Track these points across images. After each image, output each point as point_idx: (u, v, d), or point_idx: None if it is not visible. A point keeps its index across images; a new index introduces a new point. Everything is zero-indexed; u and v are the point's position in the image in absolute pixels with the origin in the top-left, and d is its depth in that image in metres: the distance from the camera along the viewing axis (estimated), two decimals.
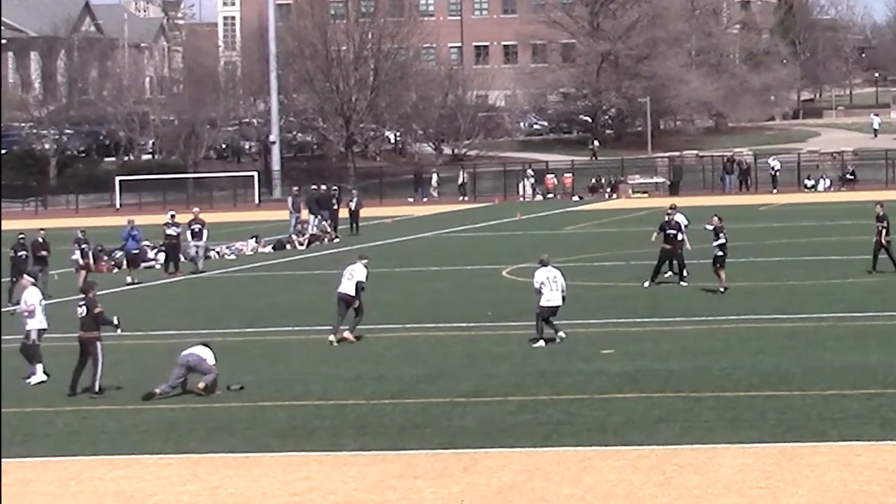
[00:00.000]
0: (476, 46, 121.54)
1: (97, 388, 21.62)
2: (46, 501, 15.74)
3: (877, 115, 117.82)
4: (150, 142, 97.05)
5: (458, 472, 16.16)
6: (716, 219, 32.31)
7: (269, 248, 49.29)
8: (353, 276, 26.40)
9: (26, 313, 23.42)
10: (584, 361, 23.44)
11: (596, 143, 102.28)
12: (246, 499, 15.44)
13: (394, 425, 18.90)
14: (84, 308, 22.03)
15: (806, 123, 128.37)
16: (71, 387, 21.83)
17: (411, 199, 79.33)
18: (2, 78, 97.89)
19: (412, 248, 48.61)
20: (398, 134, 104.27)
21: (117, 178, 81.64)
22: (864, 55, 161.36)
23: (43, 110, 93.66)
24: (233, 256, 47.35)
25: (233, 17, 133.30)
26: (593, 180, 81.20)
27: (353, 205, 55.33)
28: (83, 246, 38.37)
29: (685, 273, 33.43)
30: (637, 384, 21.20)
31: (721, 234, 31.83)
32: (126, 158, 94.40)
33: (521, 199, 78.00)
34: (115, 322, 22.12)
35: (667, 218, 33.84)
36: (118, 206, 78.85)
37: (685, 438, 17.43)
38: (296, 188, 59.43)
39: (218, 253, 46.96)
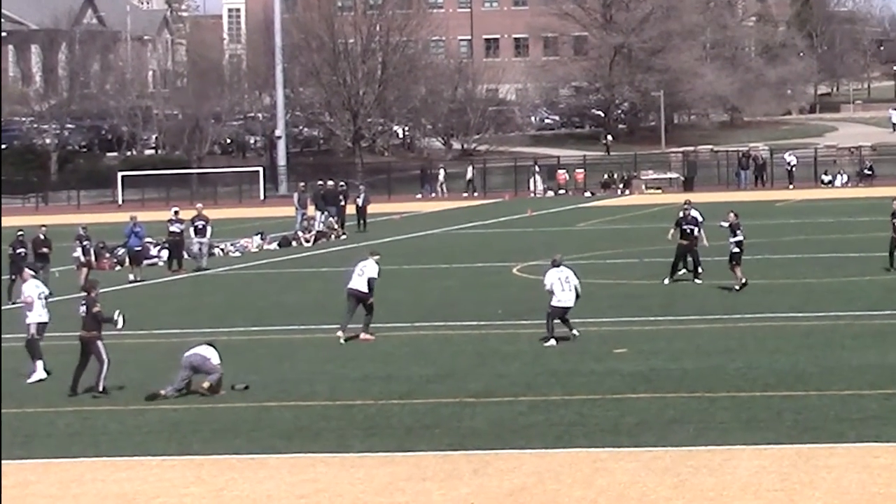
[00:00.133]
0: (486, 39, 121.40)
1: (101, 388, 21.48)
2: None
3: (895, 109, 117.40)
4: (153, 136, 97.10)
5: (467, 474, 16.05)
6: (732, 215, 32.16)
7: (274, 245, 49.15)
8: (363, 272, 26.26)
9: (25, 306, 23.21)
10: (597, 361, 23.34)
11: (610, 137, 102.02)
12: (251, 501, 15.34)
13: (402, 426, 18.78)
14: (85, 307, 21.87)
15: (823, 118, 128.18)
16: (72, 387, 21.69)
17: (419, 196, 79.19)
18: (2, 71, 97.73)
19: (421, 245, 48.58)
20: (406, 128, 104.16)
21: (119, 174, 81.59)
22: (882, 48, 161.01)
23: (44, 104, 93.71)
24: (237, 253, 47.19)
25: (238, 9, 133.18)
26: (606, 176, 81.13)
27: (360, 201, 55.15)
28: (85, 243, 38.27)
29: (700, 270, 33.30)
30: (651, 384, 21.08)
31: (738, 231, 31.66)
32: (128, 153, 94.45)
33: (532, 195, 77.89)
34: (115, 318, 21.94)
35: (682, 213, 33.71)
36: (120, 202, 78.79)
37: (700, 440, 17.33)
38: (302, 184, 59.23)
39: (222, 250, 46.88)
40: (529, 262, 38.53)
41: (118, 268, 42.89)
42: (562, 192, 78.52)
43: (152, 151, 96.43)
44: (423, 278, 37.32)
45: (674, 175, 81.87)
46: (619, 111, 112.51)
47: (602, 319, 27.47)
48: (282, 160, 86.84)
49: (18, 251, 35.35)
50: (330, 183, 56.58)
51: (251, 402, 20.63)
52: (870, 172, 79.06)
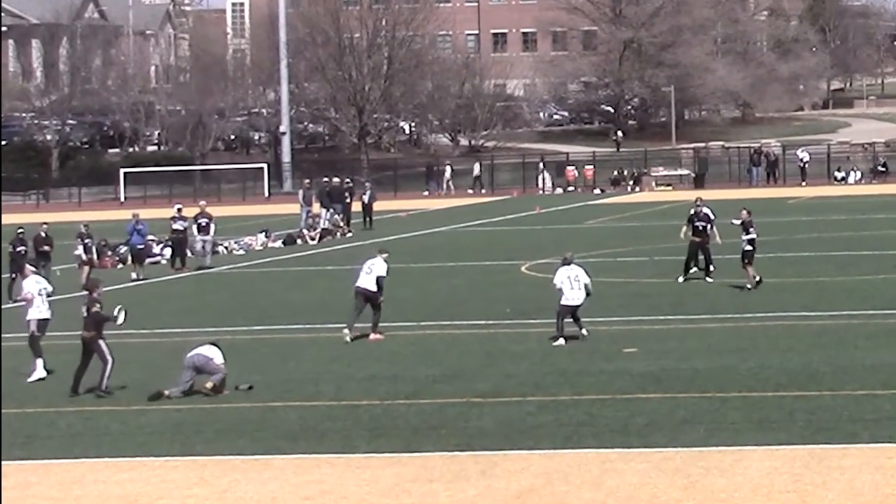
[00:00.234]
0: (494, 34, 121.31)
1: (104, 388, 21.36)
2: None
3: None
4: (156, 133, 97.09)
5: (475, 475, 15.95)
6: (745, 212, 32.02)
7: (279, 243, 49.06)
8: (372, 270, 26.16)
9: (24, 303, 23.10)
10: (606, 360, 23.23)
11: (619, 133, 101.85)
12: (255, 503, 15.23)
13: (408, 426, 18.68)
14: (86, 307, 21.73)
15: (836, 113, 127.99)
16: (73, 387, 21.58)
17: (426, 193, 79.06)
18: (2, 66, 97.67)
19: (428, 243, 48.58)
20: (413, 124, 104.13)
21: (122, 171, 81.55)
22: None
23: (45, 100, 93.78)
24: (241, 251, 47.13)
25: (242, 4, 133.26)
26: (615, 172, 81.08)
27: (366, 198, 55.02)
28: (86, 241, 38.28)
29: (712, 268, 33.20)
30: (661, 384, 20.96)
31: (751, 229, 31.51)
32: (131, 150, 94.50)
33: (541, 192, 77.78)
34: (115, 314, 21.83)
35: (694, 210, 33.61)
36: (122, 199, 78.78)
37: (711, 440, 17.24)
38: (307, 181, 59.17)
39: (226, 248, 46.86)
40: (538, 261, 38.51)
41: (120, 266, 42.80)
42: (571, 189, 78.40)
43: (155, 148, 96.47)
44: (430, 276, 37.28)
45: (684, 172, 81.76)
46: (629, 107, 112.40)
47: (612, 318, 27.36)
48: (286, 157, 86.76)
49: (18, 249, 35.30)
50: (335, 180, 56.40)
51: (255, 403, 20.53)
52: (883, 169, 78.95)
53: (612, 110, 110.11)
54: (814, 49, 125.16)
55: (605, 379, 21.49)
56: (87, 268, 37.17)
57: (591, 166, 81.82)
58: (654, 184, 78.23)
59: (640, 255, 40.07)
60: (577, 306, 24.93)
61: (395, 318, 27.62)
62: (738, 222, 31.84)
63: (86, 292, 22.59)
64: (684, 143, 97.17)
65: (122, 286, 36.63)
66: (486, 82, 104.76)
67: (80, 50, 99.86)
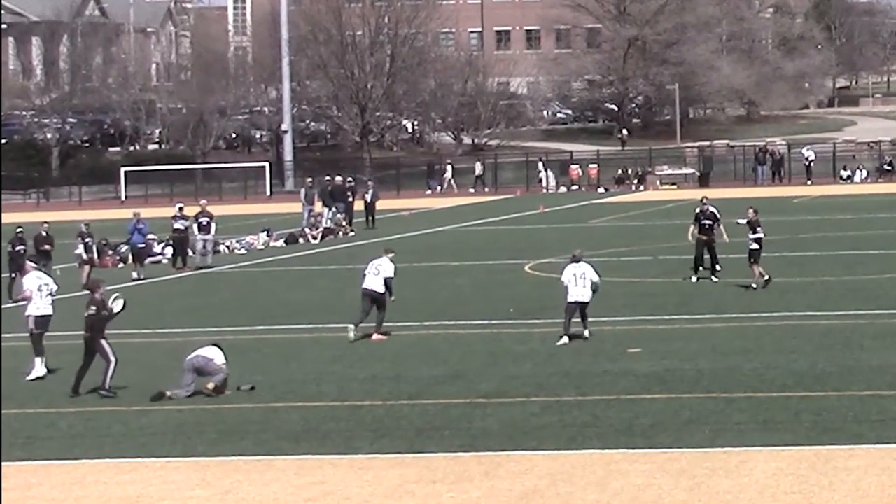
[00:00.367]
0: (497, 31, 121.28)
1: (107, 387, 21.30)
2: None
3: None
4: (157, 131, 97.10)
5: (478, 476, 15.90)
6: (751, 211, 31.92)
7: (280, 242, 49.04)
8: (379, 271, 26.12)
9: (23, 300, 22.98)
10: (611, 361, 23.18)
11: (624, 131, 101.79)
12: None
13: (412, 427, 18.63)
14: (96, 307, 21.62)
15: (841, 112, 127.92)
16: (74, 387, 21.53)
17: (429, 192, 78.99)
18: (2, 64, 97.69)
19: (431, 242, 48.52)
20: (416, 123, 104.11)
21: (122, 169, 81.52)
22: None
23: (45, 98, 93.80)
24: (243, 251, 47.11)
25: (243, 1, 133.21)
26: (619, 171, 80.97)
27: (368, 197, 54.97)
28: (87, 240, 38.25)
29: (718, 268, 33.16)
30: (666, 384, 20.91)
31: (758, 228, 31.46)
32: (132, 148, 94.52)
33: (545, 190, 77.72)
34: (110, 304, 21.73)
35: (700, 209, 33.58)
36: (123, 198, 78.72)
37: (716, 441, 17.18)
38: (309, 179, 59.13)
39: (228, 247, 46.83)
40: (542, 260, 38.50)
41: (121, 265, 42.84)
42: (574, 187, 78.31)
43: (156, 146, 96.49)
44: (433, 276, 37.21)
45: (689, 170, 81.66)
46: (633, 105, 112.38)
47: (616, 318, 27.31)
48: (288, 155, 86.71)
49: (18, 248, 35.21)
50: (338, 178, 56.33)
51: (257, 403, 20.48)
52: (889, 168, 78.85)
53: (617, 108, 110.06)
54: (819, 47, 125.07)
55: (609, 379, 21.43)
56: (87, 267, 37.17)
57: (596, 165, 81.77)
58: (658, 182, 78.15)
59: (645, 255, 40.00)
60: (585, 303, 24.88)
61: (397, 318, 27.53)
62: (745, 221, 31.76)
63: (87, 292, 22.48)
64: (689, 141, 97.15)
65: (122, 285, 36.34)
66: (489, 80, 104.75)
67: (81, 48, 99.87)
